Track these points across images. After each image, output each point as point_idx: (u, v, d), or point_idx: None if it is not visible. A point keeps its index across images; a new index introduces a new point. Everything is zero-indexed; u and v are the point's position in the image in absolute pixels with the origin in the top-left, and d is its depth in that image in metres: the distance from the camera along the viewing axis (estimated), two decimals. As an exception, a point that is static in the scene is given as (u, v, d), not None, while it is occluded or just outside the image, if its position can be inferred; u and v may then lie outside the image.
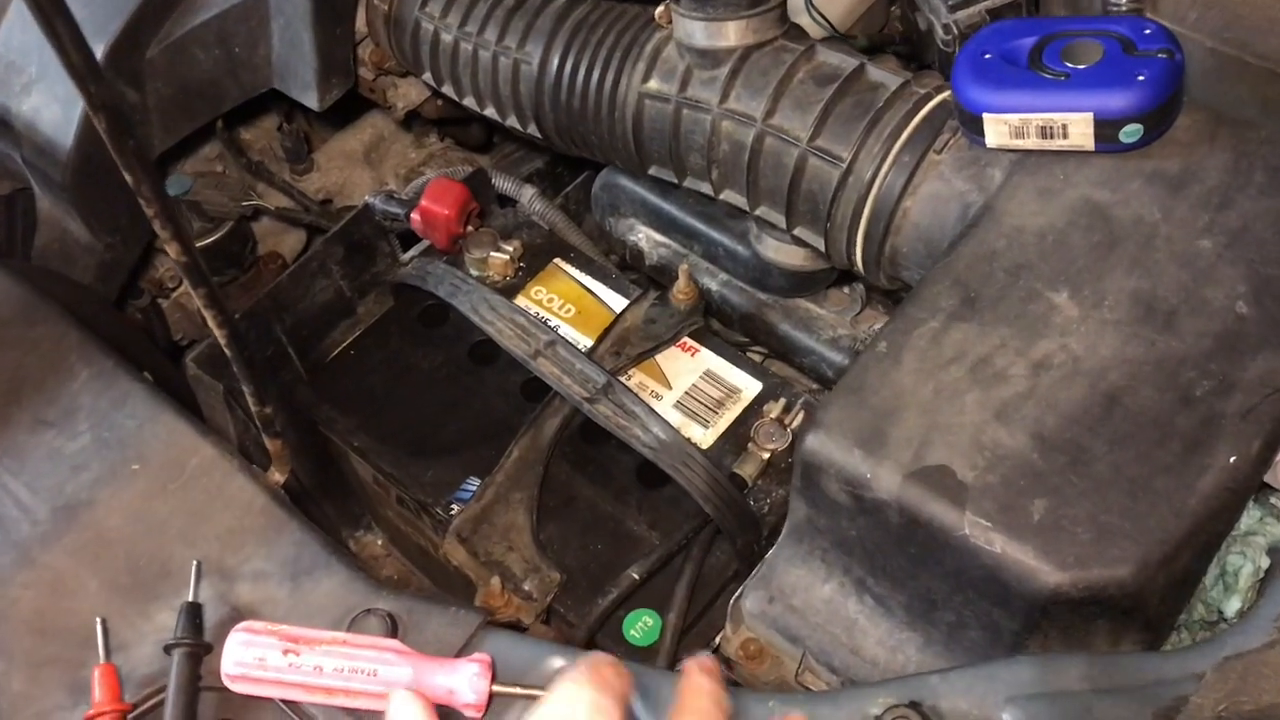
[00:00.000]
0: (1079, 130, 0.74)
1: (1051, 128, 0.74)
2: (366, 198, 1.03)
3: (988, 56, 0.77)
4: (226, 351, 0.61)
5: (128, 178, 0.49)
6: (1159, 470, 0.64)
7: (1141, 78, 0.72)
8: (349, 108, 1.24)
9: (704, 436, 0.91)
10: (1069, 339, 0.69)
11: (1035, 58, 0.76)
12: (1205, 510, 0.64)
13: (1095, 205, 0.74)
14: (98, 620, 0.65)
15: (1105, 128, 0.73)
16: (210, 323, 0.58)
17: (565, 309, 0.99)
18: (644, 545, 0.87)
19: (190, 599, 0.66)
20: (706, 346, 0.96)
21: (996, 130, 0.76)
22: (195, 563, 0.67)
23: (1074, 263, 0.72)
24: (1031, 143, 0.76)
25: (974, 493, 0.65)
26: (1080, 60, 0.74)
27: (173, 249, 0.53)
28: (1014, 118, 0.75)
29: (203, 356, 0.89)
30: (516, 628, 0.83)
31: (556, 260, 1.02)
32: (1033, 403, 0.68)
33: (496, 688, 0.62)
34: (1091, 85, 0.73)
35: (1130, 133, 0.73)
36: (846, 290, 1.01)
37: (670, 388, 0.94)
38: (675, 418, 0.91)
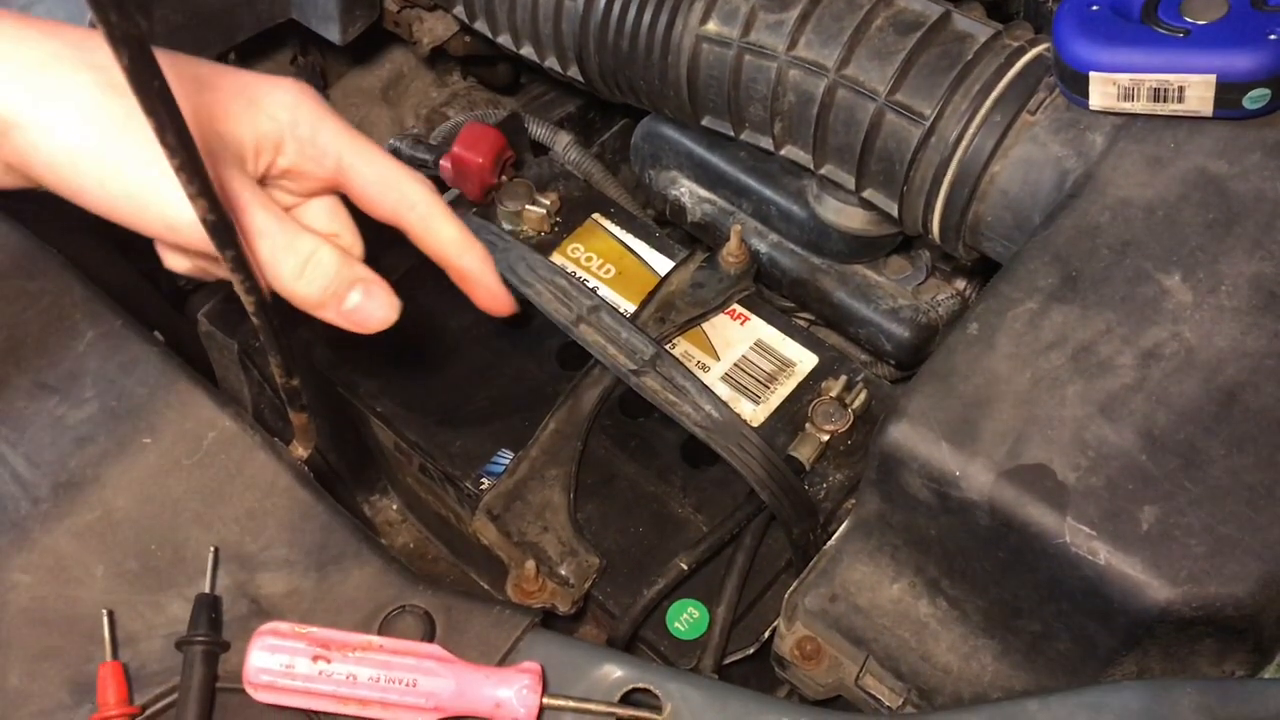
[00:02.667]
0: (1197, 94, 0.67)
1: (1166, 90, 0.67)
2: (392, 140, 0.95)
3: (1095, 8, 0.70)
4: (254, 319, 0.54)
5: (150, 122, 0.42)
6: (1283, 478, 0.58)
7: (1273, 36, 0.65)
8: (368, 42, 1.16)
9: (754, 413, 0.84)
10: (1182, 327, 0.63)
11: (1149, 11, 0.68)
12: (1334, 524, 0.58)
13: (1211, 178, 0.67)
14: (104, 613, 0.58)
15: (1228, 91, 0.66)
16: (237, 288, 0.51)
17: (605, 269, 0.92)
18: (689, 529, 0.80)
19: (206, 590, 0.60)
20: (758, 314, 0.89)
21: (1103, 91, 0.69)
22: (212, 549, 0.60)
23: (1187, 242, 0.66)
24: (1141, 106, 0.69)
25: (1076, 496, 0.59)
26: (1201, 15, 0.67)
27: (199, 206, 0.46)
28: (1124, 78, 0.68)
29: (215, 311, 0.82)
30: (551, 618, 0.77)
31: (595, 215, 0.95)
32: (1141, 397, 0.61)
33: (547, 700, 0.56)
34: (1215, 44, 0.66)
35: (1256, 98, 0.66)
36: (908, 257, 0.94)
37: (718, 359, 0.87)
38: (724, 391, 0.85)
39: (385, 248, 0.94)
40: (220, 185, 0.50)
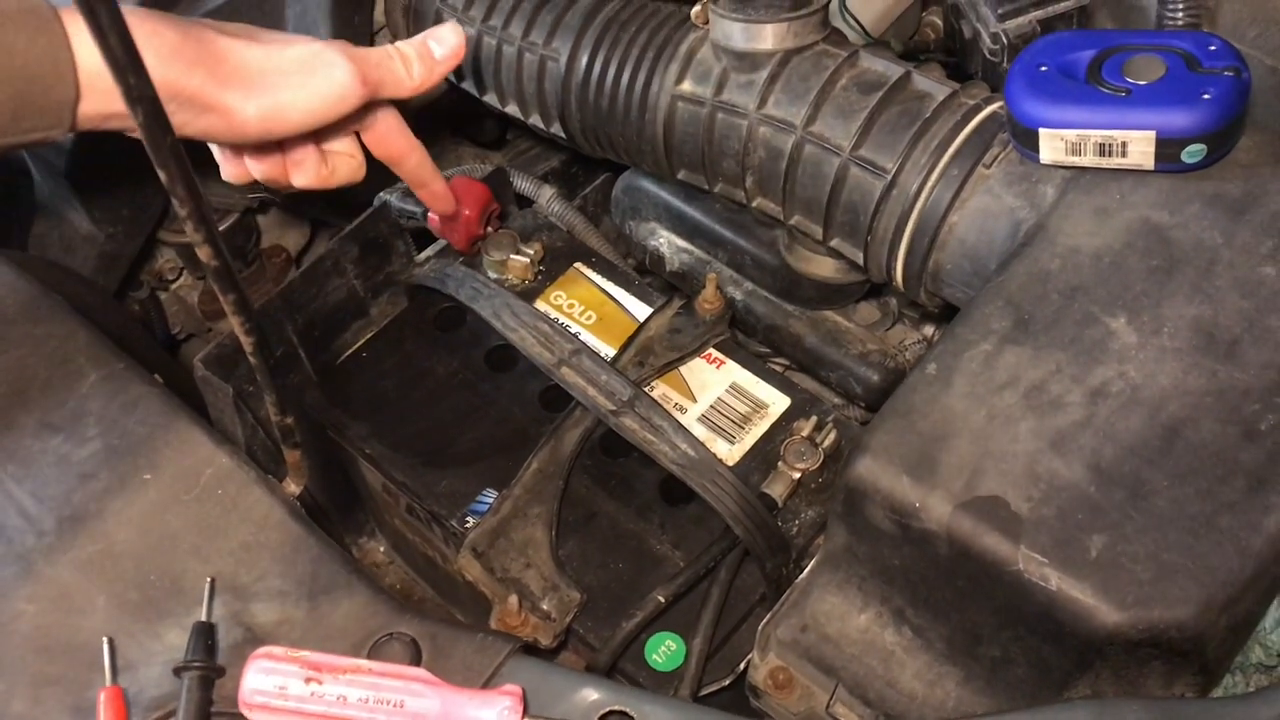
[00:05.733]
0: (1139, 149, 0.71)
1: (1111, 145, 0.72)
2: (382, 194, 0.99)
3: (1044, 69, 0.74)
4: (251, 359, 0.57)
5: (161, 175, 0.45)
6: (1222, 507, 0.62)
7: (1207, 96, 0.69)
8: (360, 99, 1.20)
9: (729, 453, 0.88)
10: (1127, 366, 0.67)
11: (1094, 72, 0.73)
12: (1270, 550, 0.61)
13: (1154, 227, 0.72)
14: (104, 640, 0.61)
15: (1167, 147, 0.71)
16: (237, 329, 0.55)
17: (586, 315, 0.96)
18: (667, 565, 0.83)
19: (203, 618, 0.62)
20: (733, 358, 0.93)
21: (1052, 146, 0.73)
22: (209, 580, 0.63)
23: (1131, 287, 0.70)
24: (1088, 160, 0.73)
25: (1029, 526, 0.63)
26: (1142, 76, 0.72)
27: (204, 252, 0.49)
28: (1071, 134, 0.72)
29: (211, 357, 0.85)
30: (533, 648, 0.79)
31: (577, 264, 0.99)
32: (1090, 432, 0.65)
33: (528, 722, 0.59)
34: (1154, 102, 0.70)
35: (1193, 153, 0.71)
36: (876, 304, 0.98)
37: (695, 401, 0.91)
38: (700, 432, 0.88)
39: (374, 296, 0.98)
40: (342, 49, 0.74)
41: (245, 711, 0.57)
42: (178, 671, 0.61)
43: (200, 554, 0.65)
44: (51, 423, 0.68)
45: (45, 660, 0.61)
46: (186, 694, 0.60)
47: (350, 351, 0.96)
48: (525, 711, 0.59)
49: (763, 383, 0.91)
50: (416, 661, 0.61)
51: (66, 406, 0.69)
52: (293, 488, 0.69)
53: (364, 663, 0.59)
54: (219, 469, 0.67)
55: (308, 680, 0.57)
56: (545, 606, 0.81)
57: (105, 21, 0.37)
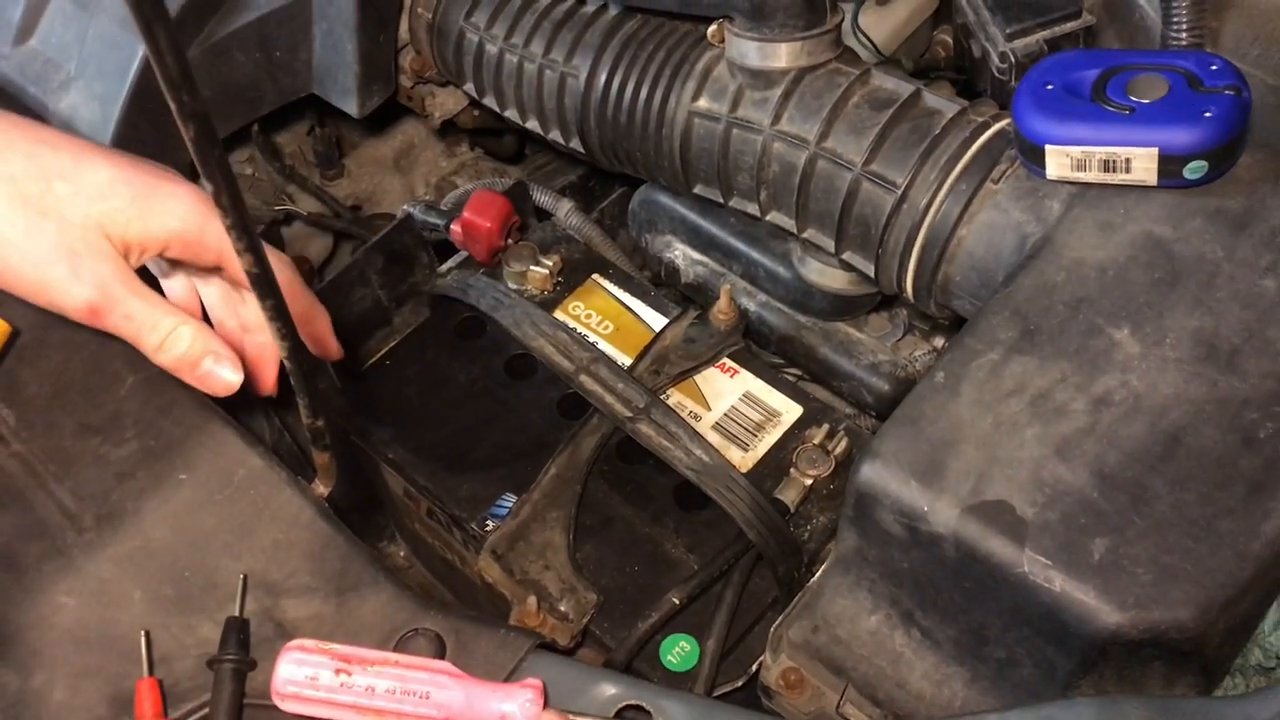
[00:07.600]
0: (1142, 165, 0.73)
1: (1114, 161, 0.74)
2: (405, 207, 1.02)
3: (1050, 87, 0.76)
4: (287, 363, 0.60)
5: (206, 186, 0.48)
6: (1222, 512, 0.64)
7: (1209, 114, 0.72)
8: (382, 114, 1.23)
9: (743, 459, 0.90)
10: (1130, 376, 0.69)
11: (1099, 90, 0.75)
12: (1269, 554, 0.63)
13: (1157, 241, 0.74)
14: (141, 633, 0.64)
15: (1170, 163, 0.73)
16: (274, 335, 0.57)
17: (603, 325, 0.98)
18: (682, 569, 0.86)
19: (236, 613, 0.65)
20: (746, 368, 0.95)
21: (1058, 162, 0.76)
22: (242, 576, 0.66)
23: (1135, 299, 0.72)
24: (1092, 175, 0.75)
25: (1034, 529, 0.64)
26: (1145, 94, 0.74)
27: (246, 260, 0.52)
28: (1076, 150, 0.74)
29: (240, 363, 0.87)
30: (550, 648, 0.82)
31: (595, 276, 1.01)
32: (1093, 439, 0.67)
33: (548, 714, 0.61)
34: (1157, 120, 0.73)
35: (1195, 169, 0.73)
36: (887, 315, 1.00)
37: (709, 409, 0.93)
38: (714, 439, 0.90)
39: (398, 305, 1.01)
40: (99, 278, 0.66)
41: (278, 701, 0.60)
42: (211, 664, 0.63)
43: (233, 551, 0.67)
44: (91, 424, 0.71)
45: (84, 652, 0.64)
46: (220, 686, 0.62)
47: (374, 359, 0.99)
48: (546, 704, 0.61)
49: (776, 392, 0.93)
50: (441, 656, 0.63)
51: (105, 409, 0.72)
52: (321, 489, 0.72)
53: (391, 655, 0.61)
54: (251, 470, 0.70)
55: (338, 671, 0.59)
56: (563, 608, 0.83)
57: (163, 42, 0.40)
